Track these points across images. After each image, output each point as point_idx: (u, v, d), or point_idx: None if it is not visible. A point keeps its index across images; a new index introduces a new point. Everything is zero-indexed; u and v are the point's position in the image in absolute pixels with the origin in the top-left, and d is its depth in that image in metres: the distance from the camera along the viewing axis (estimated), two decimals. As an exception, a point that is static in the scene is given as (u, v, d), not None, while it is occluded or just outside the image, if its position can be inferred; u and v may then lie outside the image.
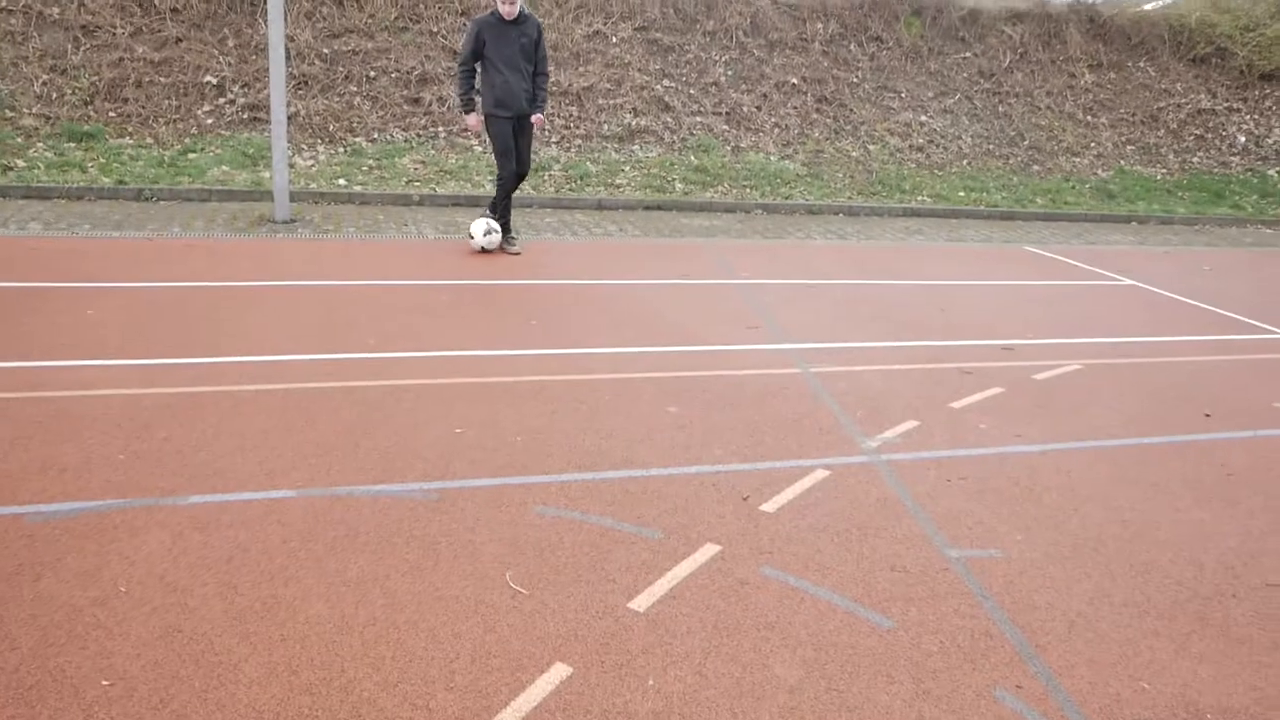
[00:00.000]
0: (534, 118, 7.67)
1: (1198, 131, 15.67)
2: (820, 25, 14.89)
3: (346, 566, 3.08)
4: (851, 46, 14.87)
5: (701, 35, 14.05)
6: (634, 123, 12.51)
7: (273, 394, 4.49)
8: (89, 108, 10.76)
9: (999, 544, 3.54)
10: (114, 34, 11.42)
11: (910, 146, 13.67)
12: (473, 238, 7.77)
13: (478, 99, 7.69)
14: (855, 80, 14.40)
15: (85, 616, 2.73)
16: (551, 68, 8.63)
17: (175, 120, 10.91)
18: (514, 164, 7.70)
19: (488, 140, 7.88)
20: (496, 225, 7.81)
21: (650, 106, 12.84)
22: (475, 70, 7.58)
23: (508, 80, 7.41)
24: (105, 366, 4.71)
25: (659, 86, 13.15)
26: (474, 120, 7.72)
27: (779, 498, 3.78)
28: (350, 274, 6.89)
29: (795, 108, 13.65)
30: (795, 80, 13.97)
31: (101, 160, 9.86)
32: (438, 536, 3.30)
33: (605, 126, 12.33)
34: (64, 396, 4.30)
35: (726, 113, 13.20)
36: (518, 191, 8.38)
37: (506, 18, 7.33)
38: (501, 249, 7.88)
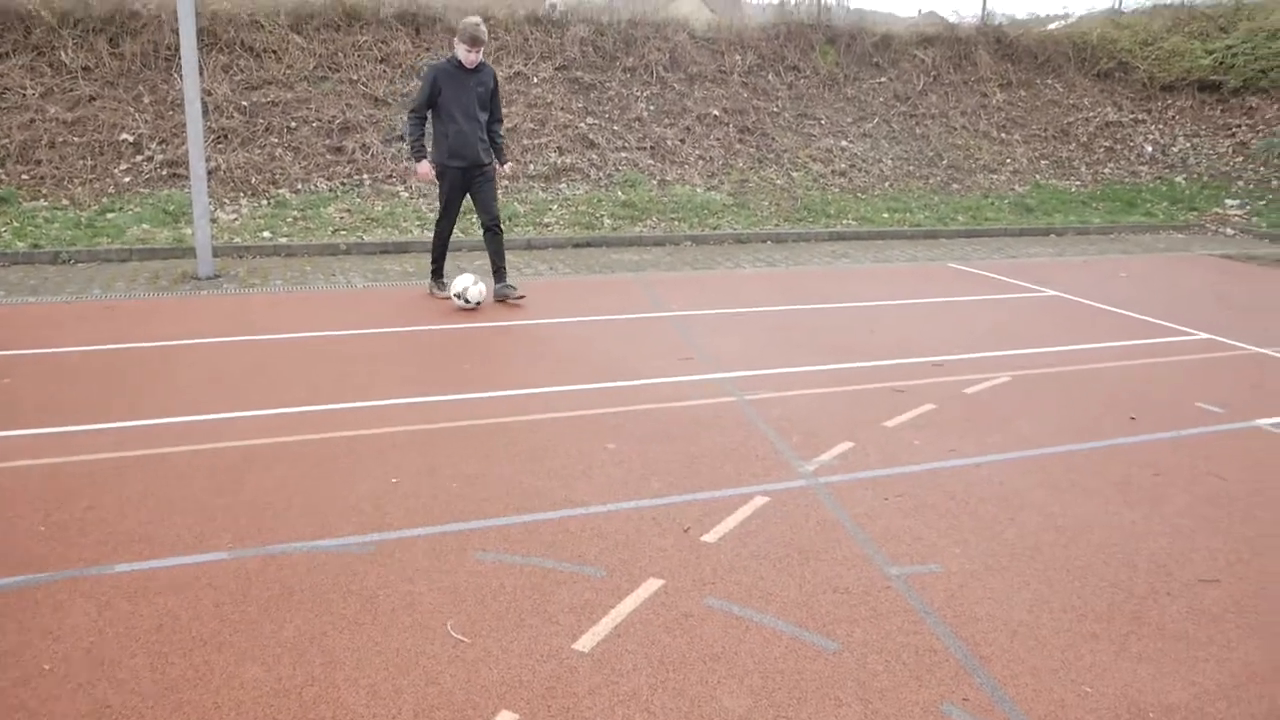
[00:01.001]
0: (505, 168, 7.65)
1: (1107, 143, 16.20)
2: (738, 57, 15.14)
3: (282, 627, 3.00)
4: (770, 76, 15.13)
5: (622, 72, 14.20)
6: (560, 161, 12.57)
7: (201, 454, 4.39)
8: (0, 171, 10.50)
9: (938, 558, 3.58)
10: (24, 95, 11.19)
11: (833, 172, 13.92)
12: (465, 299, 7.29)
13: (428, 146, 7.51)
14: (775, 109, 14.65)
15: (8, 699, 2.62)
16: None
17: (91, 180, 10.70)
18: (454, 219, 7.62)
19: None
20: (468, 278, 7.37)
21: (575, 144, 12.91)
22: (425, 118, 7.36)
23: (462, 130, 7.21)
24: (22, 436, 4.56)
25: (583, 124, 13.24)
26: (425, 168, 7.36)
27: (719, 527, 3.78)
28: (278, 327, 6.78)
29: (718, 139, 13.83)
30: (717, 112, 14.17)
31: (15, 224, 9.61)
32: (375, 589, 3.24)
33: (531, 166, 12.36)
34: (-20, 470, 4.16)
35: (651, 147, 13.33)
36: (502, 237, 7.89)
37: (468, 66, 7.15)
38: (504, 298, 7.55)
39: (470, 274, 7.47)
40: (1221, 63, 16.86)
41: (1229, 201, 14.61)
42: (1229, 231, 13.44)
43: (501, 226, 7.64)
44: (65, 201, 10.31)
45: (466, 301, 7.30)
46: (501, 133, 7.61)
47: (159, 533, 3.60)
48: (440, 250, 7.77)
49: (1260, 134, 16.00)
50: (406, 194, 11.47)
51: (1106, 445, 4.87)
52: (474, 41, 7.04)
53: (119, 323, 6.81)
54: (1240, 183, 15.27)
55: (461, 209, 7.76)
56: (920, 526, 3.85)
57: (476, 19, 7.15)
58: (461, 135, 7.21)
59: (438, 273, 7.85)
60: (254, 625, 3.01)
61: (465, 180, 7.39)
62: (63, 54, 11.63)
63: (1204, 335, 7.24)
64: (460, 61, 7.13)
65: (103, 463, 4.26)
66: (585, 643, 2.96)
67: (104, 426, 4.71)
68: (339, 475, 4.19)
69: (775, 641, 3.00)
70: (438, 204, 7.69)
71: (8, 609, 3.05)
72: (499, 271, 7.65)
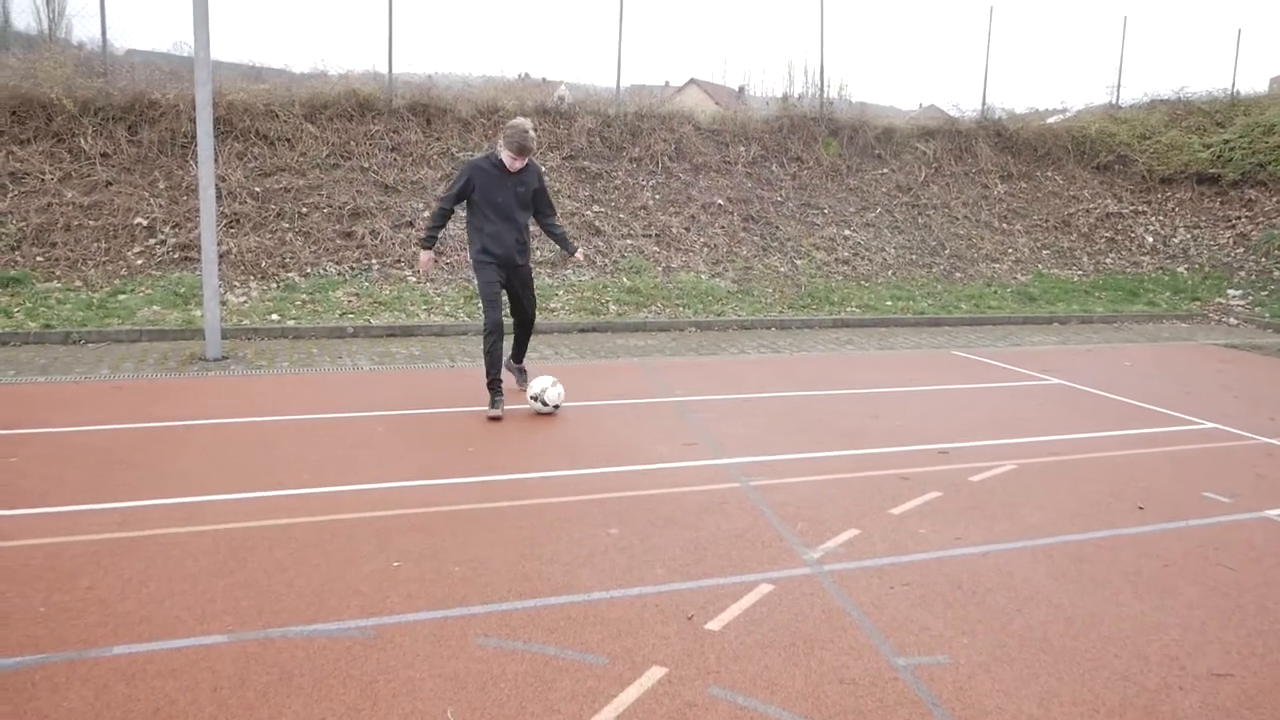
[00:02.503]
0: (578, 255, 7.40)
1: (1108, 234, 16.40)
2: (742, 148, 15.44)
3: (280, 713, 2.95)
4: (773, 167, 15.41)
5: (628, 162, 14.47)
6: (567, 247, 12.72)
7: (202, 536, 4.37)
8: (15, 253, 10.66)
9: (946, 649, 3.53)
10: (43, 180, 11.43)
11: (836, 260, 14.08)
12: (543, 402, 6.87)
13: (439, 238, 7.23)
14: (779, 199, 14.88)
15: (-3, 785, 2.57)
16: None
17: (104, 262, 10.85)
18: (497, 314, 6.78)
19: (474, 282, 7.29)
20: (547, 380, 6.96)
21: (581, 231, 13.09)
22: (451, 212, 6.97)
23: (498, 230, 6.80)
24: (26, 515, 4.55)
25: (589, 212, 13.45)
26: (426, 259, 7.05)
27: (724, 615, 3.74)
28: (284, 409, 6.81)
29: (723, 227, 14.03)
30: (721, 201, 14.39)
31: (28, 305, 9.72)
32: (375, 675, 3.19)
33: (538, 253, 12.52)
34: (-19, 550, 4.14)
35: (656, 234, 13.51)
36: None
37: (511, 170, 6.74)
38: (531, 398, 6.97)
39: (548, 375, 7.07)
40: (1219, 156, 17.16)
41: (1231, 291, 14.72)
42: (1232, 321, 13.51)
43: (534, 322, 7.47)
44: (78, 283, 10.45)
45: (544, 405, 6.86)
46: (559, 223, 7.33)
47: (159, 614, 3.57)
48: (493, 359, 6.87)
49: (1260, 225, 16.19)
50: (414, 279, 11.61)
51: (1114, 535, 4.83)
52: (521, 151, 6.64)
53: (126, 403, 6.84)
54: (1242, 273, 15.40)
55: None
56: (927, 616, 3.80)
57: (526, 125, 6.66)
58: (497, 235, 6.82)
59: (495, 385, 6.90)
60: (251, 711, 2.96)
61: (503, 273, 6.92)
62: (82, 141, 11.90)
63: (1210, 424, 7.23)
64: (500, 162, 6.73)
65: (105, 543, 4.24)
66: (587, 732, 2.91)
67: (108, 506, 4.70)
68: (341, 558, 4.16)
69: (781, 733, 2.95)
70: (480, 302, 7.17)
71: (4, 691, 3.01)
72: (518, 353, 7.55)
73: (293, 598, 3.75)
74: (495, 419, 6.72)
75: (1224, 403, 8.05)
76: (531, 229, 7.25)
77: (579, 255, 7.44)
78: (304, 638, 3.43)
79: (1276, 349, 11.26)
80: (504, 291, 7.02)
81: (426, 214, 7.54)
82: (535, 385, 6.93)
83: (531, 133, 6.64)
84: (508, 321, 7.15)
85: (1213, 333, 12.66)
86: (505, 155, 6.68)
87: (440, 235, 7.21)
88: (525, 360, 7.82)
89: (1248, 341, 11.82)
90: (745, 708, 3.08)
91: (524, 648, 3.42)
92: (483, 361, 6.91)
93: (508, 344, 7.37)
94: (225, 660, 3.25)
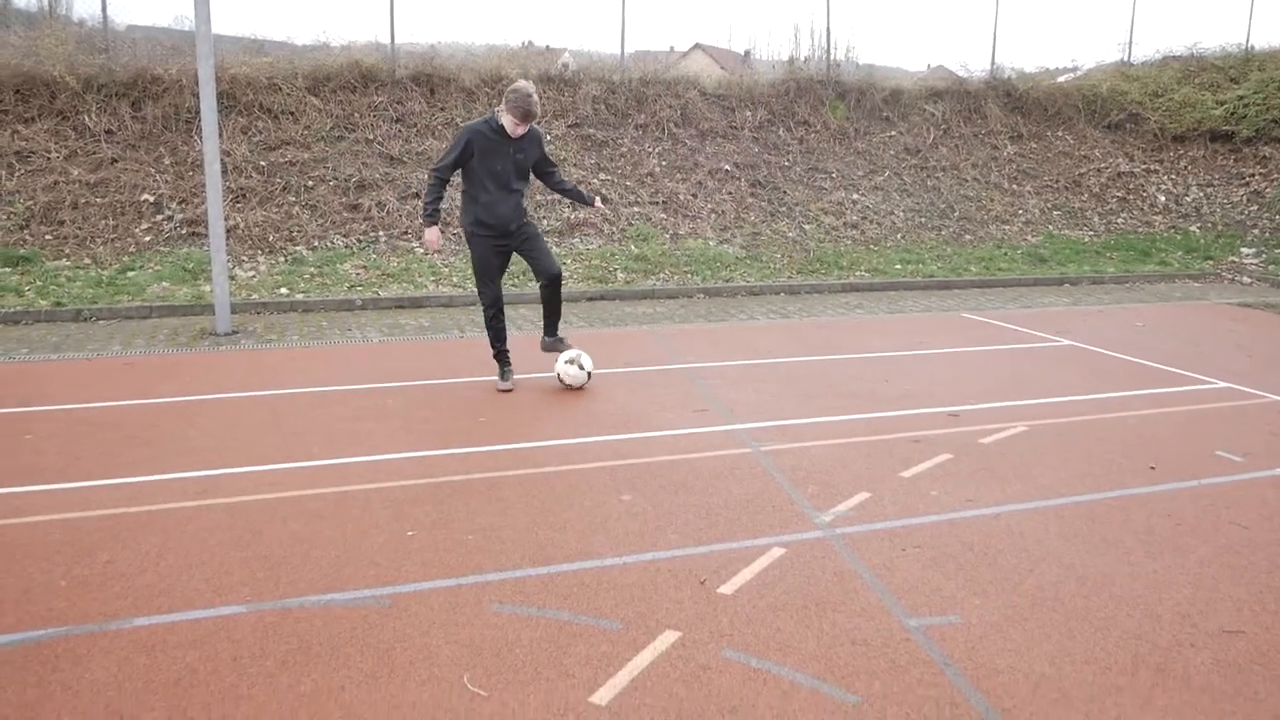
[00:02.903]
0: (597, 203, 6.94)
1: (1119, 194, 16.26)
2: (749, 113, 15.33)
3: (299, 681, 2.99)
4: (780, 131, 15.30)
5: (634, 129, 14.39)
6: (573, 216, 12.70)
7: (218, 509, 4.40)
8: (24, 232, 10.68)
9: (958, 610, 3.55)
10: (49, 158, 11.42)
11: (845, 224, 14.00)
12: (568, 379, 6.72)
13: (443, 210, 6.88)
14: (786, 164, 14.79)
15: (23, 755, 2.62)
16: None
17: (113, 239, 10.87)
18: (495, 289, 6.59)
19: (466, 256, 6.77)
20: (573, 351, 6.81)
21: (589, 200, 13.03)
22: (448, 181, 6.52)
23: (493, 199, 6.39)
24: (44, 491, 4.59)
25: (595, 180, 13.39)
26: (433, 236, 6.51)
27: (736, 579, 3.76)
28: (294, 382, 6.83)
29: (730, 193, 13.96)
30: (728, 167, 14.31)
31: (38, 283, 9.75)
32: (392, 643, 3.23)
33: (545, 222, 12.48)
34: (1, 525, 4.18)
35: (663, 202, 13.45)
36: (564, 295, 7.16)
37: (513, 135, 6.29)
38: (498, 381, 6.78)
39: (573, 349, 6.86)
40: (1233, 113, 16.96)
41: (1245, 250, 14.60)
42: (1245, 280, 13.42)
43: (562, 278, 6.89)
44: (87, 260, 10.47)
45: (581, 369, 6.72)
46: (562, 178, 6.88)
47: (177, 587, 3.61)
48: (495, 332, 6.74)
49: (1274, 183, 16.03)
50: (421, 250, 11.59)
51: (1126, 495, 4.83)
52: (525, 117, 6.21)
53: (138, 379, 6.87)
54: (1256, 231, 15.28)
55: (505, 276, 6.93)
56: (939, 578, 3.82)
57: (529, 88, 6.21)
58: (491, 205, 6.41)
59: (501, 357, 6.81)
60: (272, 679, 3.00)
61: (498, 248, 6.56)
62: (86, 118, 11.88)
63: (1223, 384, 7.20)
64: (501, 127, 6.28)
65: (122, 517, 4.28)
66: (602, 696, 2.94)
67: (123, 481, 4.74)
68: (354, 529, 4.19)
69: (794, 694, 2.97)
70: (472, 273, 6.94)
71: (28, 663, 3.06)
72: (550, 325, 7.00)
73: (309, 569, 3.79)
74: (506, 390, 6.66)
75: (1237, 362, 8.01)
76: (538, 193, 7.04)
77: (598, 203, 6.98)
78: (321, 607, 3.47)
79: (1289, 306, 11.18)
80: (507, 261, 6.73)
81: (416, 187, 7.30)
82: (569, 353, 6.77)
83: (535, 97, 6.24)
84: (518, 292, 6.90)
85: (1226, 292, 12.58)
86: (507, 120, 6.25)
87: (444, 206, 6.81)
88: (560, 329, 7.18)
89: (1261, 300, 11.74)
90: (758, 670, 3.10)
91: (539, 614, 3.44)
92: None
93: (531, 315, 7.11)
94: (244, 630, 3.29)
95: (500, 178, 6.39)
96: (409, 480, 4.84)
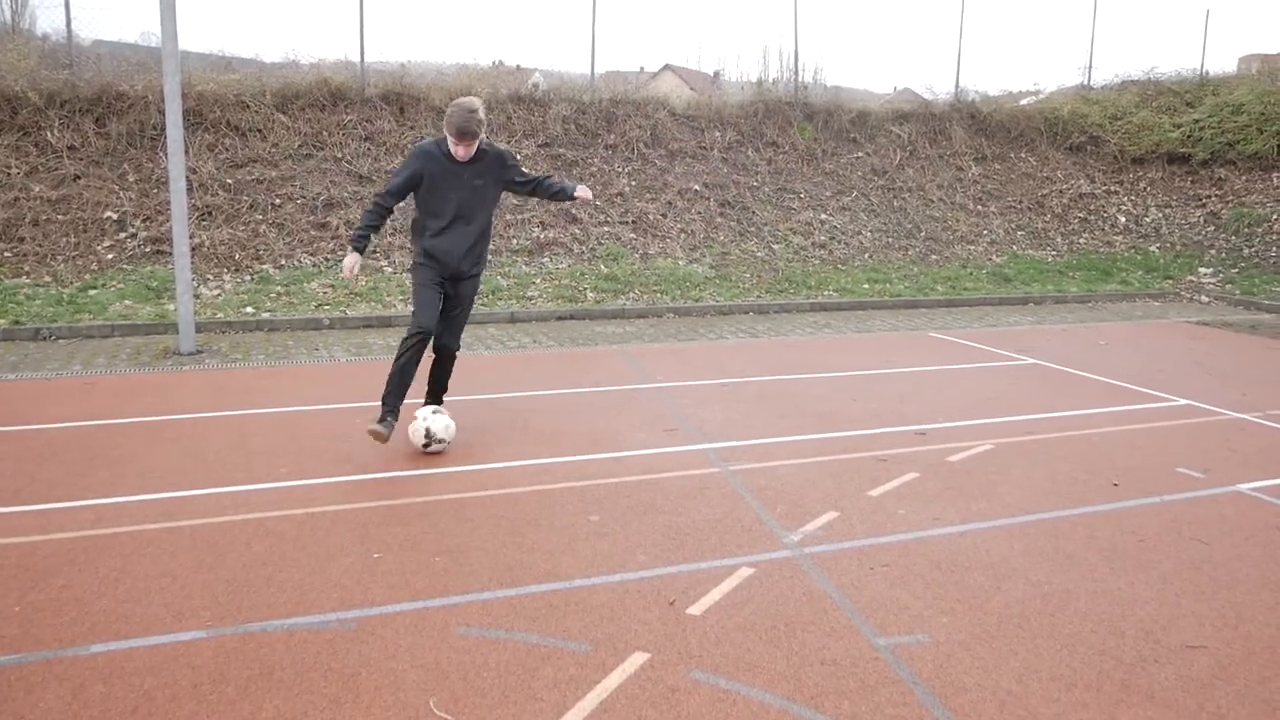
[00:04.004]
0: (578, 193, 6.00)
1: (1081, 214, 16.50)
2: (718, 134, 15.42)
3: (261, 707, 2.94)
4: (749, 152, 15.40)
5: (604, 149, 14.42)
6: (542, 235, 12.69)
7: (180, 531, 4.34)
8: (-17, 250, 10.51)
9: (925, 628, 3.56)
10: (8, 174, 11.26)
11: (813, 244, 14.10)
12: (428, 439, 5.58)
13: (370, 240, 5.70)
14: (755, 184, 14.88)
15: (-25, 786, 2.55)
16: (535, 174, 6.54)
17: (75, 257, 10.72)
18: (429, 318, 5.55)
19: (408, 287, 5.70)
20: (442, 421, 5.65)
21: (558, 219, 13.05)
22: (390, 211, 5.57)
23: (446, 235, 5.54)
24: None
25: (565, 200, 13.38)
26: (351, 262, 5.46)
27: (705, 599, 3.75)
28: (260, 402, 6.76)
29: (699, 213, 14.01)
30: (697, 187, 14.38)
31: (-4, 302, 9.59)
32: (357, 667, 3.18)
33: (514, 241, 12.47)
34: (-46, 550, 4.09)
35: (633, 221, 13.48)
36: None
37: (458, 159, 5.47)
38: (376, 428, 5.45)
39: (425, 408, 5.75)
40: (1190, 136, 17.29)
41: (1203, 269, 14.86)
42: (1204, 299, 13.63)
43: (457, 354, 6.00)
44: (47, 278, 10.32)
45: (431, 438, 5.58)
46: (549, 180, 6.01)
47: (136, 612, 3.54)
48: (402, 370, 5.56)
49: (1230, 204, 16.34)
50: (390, 269, 11.53)
51: (1090, 512, 4.87)
52: (461, 135, 5.36)
53: (99, 399, 6.77)
54: (1213, 251, 15.55)
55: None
56: (907, 596, 3.83)
57: (471, 102, 5.40)
58: (443, 241, 5.56)
59: (390, 401, 5.57)
60: (232, 706, 2.95)
61: (440, 285, 5.64)
62: (49, 134, 11.74)
63: (1183, 401, 7.30)
64: (449, 151, 5.50)
65: (80, 541, 4.20)
66: (571, 719, 2.91)
67: (83, 504, 4.66)
68: (320, 551, 4.14)
69: (763, 715, 2.96)
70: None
71: (-21, 692, 2.99)
72: (434, 392, 5.98)
73: (272, 592, 3.73)
74: (377, 434, 5.40)
75: (1196, 379, 8.13)
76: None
77: (582, 192, 6.02)
78: (284, 632, 3.42)
79: (1247, 325, 11.38)
80: (444, 304, 5.72)
81: (359, 206, 6.50)
82: (420, 423, 5.60)
83: (479, 113, 5.36)
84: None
85: (1185, 310, 12.78)
86: (449, 142, 5.46)
87: (374, 238, 5.68)
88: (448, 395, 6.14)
89: (1219, 318, 11.93)
90: (728, 691, 3.09)
91: (506, 637, 3.42)
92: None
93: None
94: (205, 656, 3.24)
95: (459, 206, 5.54)
96: (376, 501, 4.79)
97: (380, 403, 5.57)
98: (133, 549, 4.12)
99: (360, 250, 5.51)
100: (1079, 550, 4.36)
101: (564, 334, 9.95)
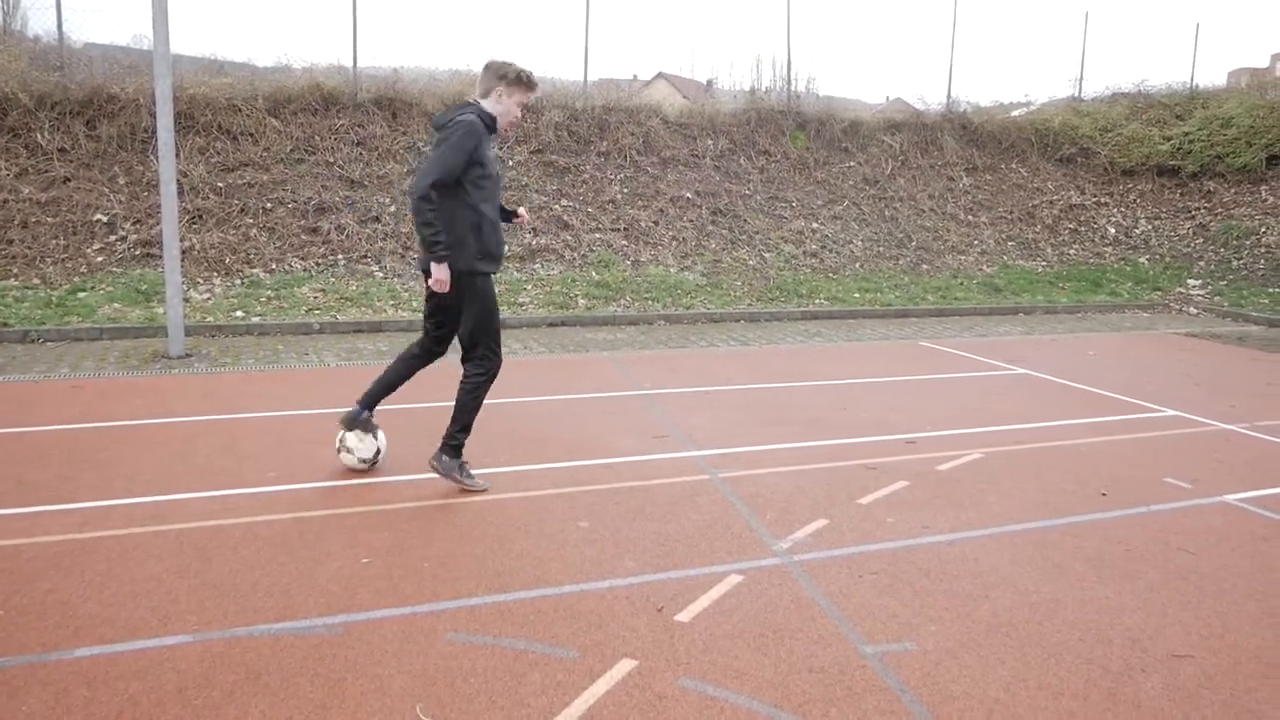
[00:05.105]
0: (521, 211, 5.21)
1: (1071, 226, 16.58)
2: (710, 142, 15.46)
3: (246, 712, 2.92)
4: (741, 160, 15.44)
5: (596, 156, 14.44)
6: (534, 242, 12.69)
7: (166, 535, 4.32)
8: (-29, 252, 10.47)
9: (913, 636, 3.56)
10: (-2, 177, 11.22)
11: (804, 253, 14.13)
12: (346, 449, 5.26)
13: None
14: (747, 192, 14.91)
15: (-43, 790, 2.53)
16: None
17: (63, 259, 10.68)
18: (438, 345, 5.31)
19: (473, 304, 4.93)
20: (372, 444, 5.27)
21: (549, 226, 13.06)
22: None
23: (495, 221, 4.87)
24: (-15, 518, 4.47)
25: (557, 206, 13.41)
26: (445, 275, 4.72)
27: (693, 606, 3.75)
28: (249, 406, 6.74)
29: (691, 221, 14.03)
30: (689, 194, 14.40)
31: (-16, 304, 9.55)
32: (343, 673, 3.17)
33: (506, 247, 12.45)
34: (-62, 552, 4.06)
35: (625, 228, 13.50)
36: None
37: (509, 126, 4.96)
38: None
39: (352, 435, 5.26)
40: (1179, 149, 17.41)
41: (1191, 281, 14.93)
42: (1192, 310, 13.70)
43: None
44: (36, 280, 10.28)
45: (350, 452, 5.26)
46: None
47: (121, 616, 3.52)
48: (478, 407, 5.12)
49: (1219, 216, 16.44)
50: (381, 274, 11.52)
51: (1078, 521, 4.88)
52: (534, 86, 4.89)
53: (87, 402, 6.74)
54: (1202, 263, 15.63)
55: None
56: (895, 604, 3.83)
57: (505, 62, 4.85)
58: (495, 228, 4.86)
59: (367, 408, 5.27)
60: (217, 711, 2.93)
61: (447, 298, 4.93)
62: (39, 136, 11.71)
63: (1171, 411, 7.33)
64: (494, 119, 4.80)
65: (66, 544, 4.18)
66: (557, 726, 2.91)
67: (69, 507, 4.63)
68: (308, 556, 4.13)
69: (750, 723, 2.96)
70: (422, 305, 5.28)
71: (-39, 696, 2.96)
72: (376, 394, 5.33)
73: (259, 597, 3.72)
74: (477, 490, 5.05)
75: (1185, 390, 8.16)
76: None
77: (522, 212, 5.25)
78: (271, 636, 3.40)
79: (1235, 337, 11.44)
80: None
81: (430, 211, 5.41)
82: (355, 446, 5.25)
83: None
84: (508, 314, 5.00)
85: (1174, 322, 12.84)
86: (510, 103, 4.83)
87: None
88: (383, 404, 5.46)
89: (1207, 330, 11.99)
90: (715, 698, 3.09)
91: (494, 642, 3.40)
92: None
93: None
94: (190, 661, 3.22)
95: (498, 193, 4.96)
96: (365, 506, 4.77)
97: (456, 454, 5.05)
98: (119, 553, 4.10)
99: (447, 256, 4.70)
100: (1067, 559, 4.36)
101: (555, 340, 9.95)
